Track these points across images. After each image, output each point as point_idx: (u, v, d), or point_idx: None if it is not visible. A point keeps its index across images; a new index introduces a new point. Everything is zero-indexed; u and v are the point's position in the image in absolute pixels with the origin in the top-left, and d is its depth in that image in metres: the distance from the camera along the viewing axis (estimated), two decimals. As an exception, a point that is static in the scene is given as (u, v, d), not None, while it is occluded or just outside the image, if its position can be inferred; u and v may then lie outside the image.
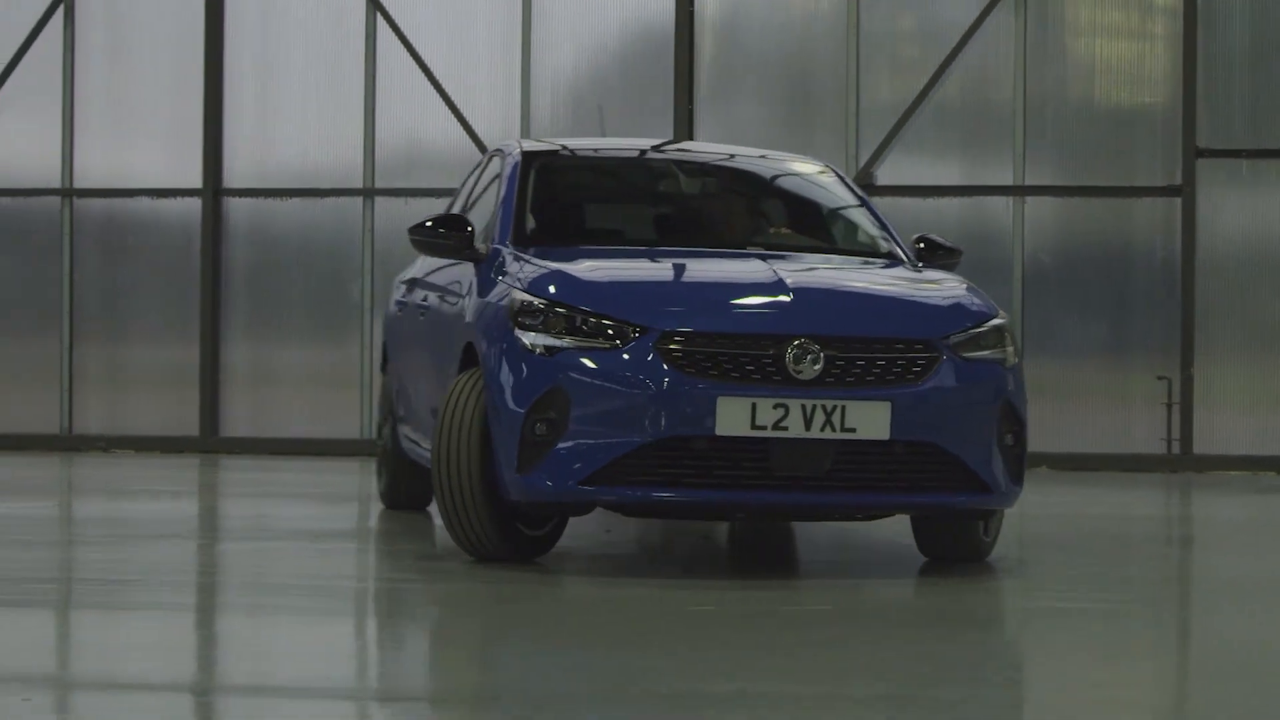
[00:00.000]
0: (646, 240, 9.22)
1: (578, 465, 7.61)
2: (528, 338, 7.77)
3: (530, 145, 9.50)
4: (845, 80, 15.64)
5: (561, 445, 7.62)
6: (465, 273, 8.78)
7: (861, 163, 15.46)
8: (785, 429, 7.57)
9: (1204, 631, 7.14)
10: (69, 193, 16.30)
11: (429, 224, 8.73)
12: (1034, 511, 10.91)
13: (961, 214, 15.44)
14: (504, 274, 8.24)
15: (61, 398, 16.22)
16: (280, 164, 16.18)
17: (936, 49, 15.59)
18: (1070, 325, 15.46)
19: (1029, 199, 15.46)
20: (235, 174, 16.20)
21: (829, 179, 9.59)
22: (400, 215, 15.73)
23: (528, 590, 7.46)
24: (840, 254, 9.02)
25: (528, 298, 7.88)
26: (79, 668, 6.03)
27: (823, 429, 7.58)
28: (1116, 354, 15.41)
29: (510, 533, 8.05)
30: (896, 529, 9.00)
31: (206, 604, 7.41)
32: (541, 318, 7.78)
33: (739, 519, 8.93)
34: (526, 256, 8.36)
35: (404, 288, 10.48)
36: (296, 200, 16.14)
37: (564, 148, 9.71)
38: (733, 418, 7.55)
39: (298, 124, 16.15)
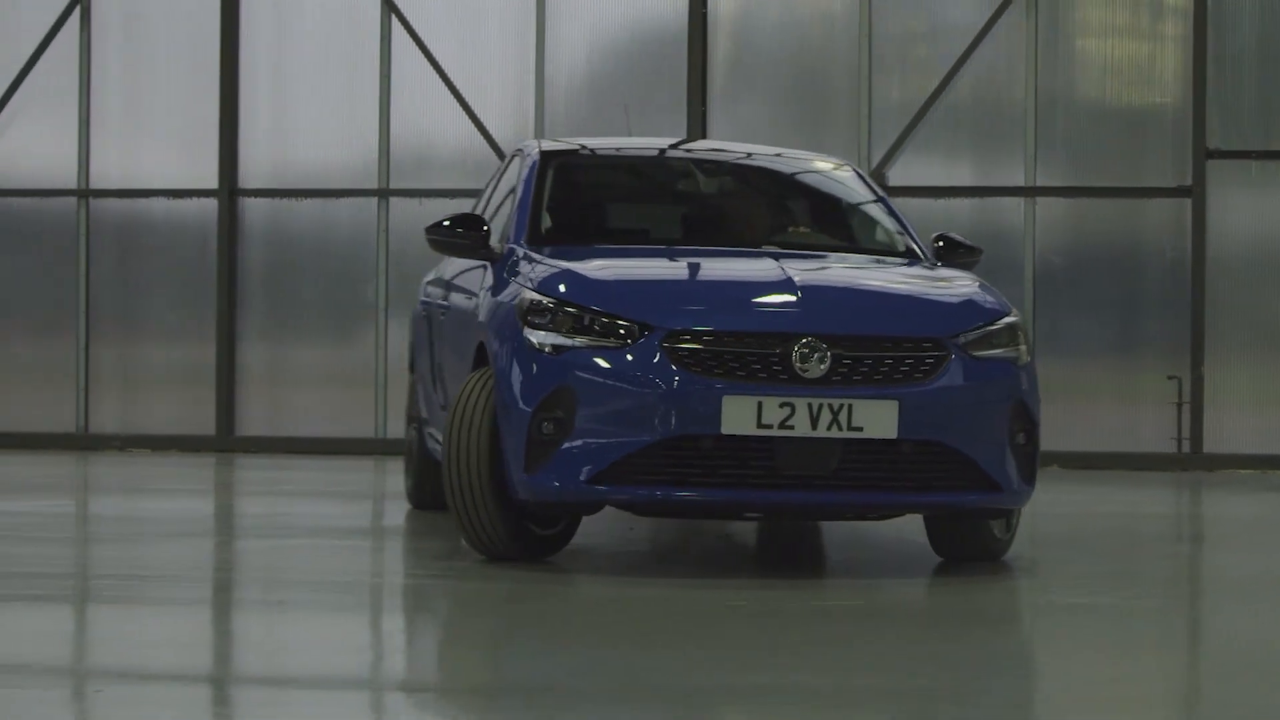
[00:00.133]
0: (663, 239, 9.19)
1: (584, 464, 7.61)
2: (536, 336, 7.77)
3: (549, 145, 9.50)
4: (858, 81, 15.68)
5: (568, 444, 7.62)
6: (482, 272, 8.79)
7: (874, 163, 15.49)
8: (791, 428, 7.55)
9: (1214, 628, 7.16)
10: (85, 193, 16.37)
11: (446, 223, 8.74)
12: (1045, 510, 10.93)
13: (973, 215, 15.47)
14: (516, 273, 8.25)
15: (77, 397, 16.29)
16: (295, 164, 16.24)
17: (948, 50, 15.63)
18: (1081, 325, 15.50)
19: (1039, 199, 15.50)
20: (250, 175, 16.27)
21: (847, 175, 9.56)
22: (415, 215, 15.79)
23: (538, 589, 7.48)
24: (857, 252, 9.00)
25: (537, 296, 7.88)
26: (99, 660, 6.09)
27: (829, 428, 7.55)
28: (1127, 354, 15.45)
29: (521, 532, 8.04)
30: (912, 528, 9.01)
31: (223, 599, 7.47)
32: (550, 317, 7.78)
33: (747, 518, 8.92)
34: (539, 256, 8.36)
35: (428, 288, 10.50)
36: (311, 201, 16.20)
37: (583, 147, 9.70)
38: (738, 417, 7.53)
39: (313, 125, 16.21)
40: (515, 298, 8.00)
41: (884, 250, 9.05)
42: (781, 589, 7.74)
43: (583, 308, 7.78)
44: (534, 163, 9.21)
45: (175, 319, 16.30)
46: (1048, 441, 12.66)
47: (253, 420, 16.17)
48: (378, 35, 16.13)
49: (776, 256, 8.41)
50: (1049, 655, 6.51)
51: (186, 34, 16.34)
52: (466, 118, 15.99)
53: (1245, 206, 15.35)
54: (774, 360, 7.60)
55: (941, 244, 9.00)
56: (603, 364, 7.64)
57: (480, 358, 8.29)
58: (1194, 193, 15.26)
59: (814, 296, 7.89)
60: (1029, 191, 15.47)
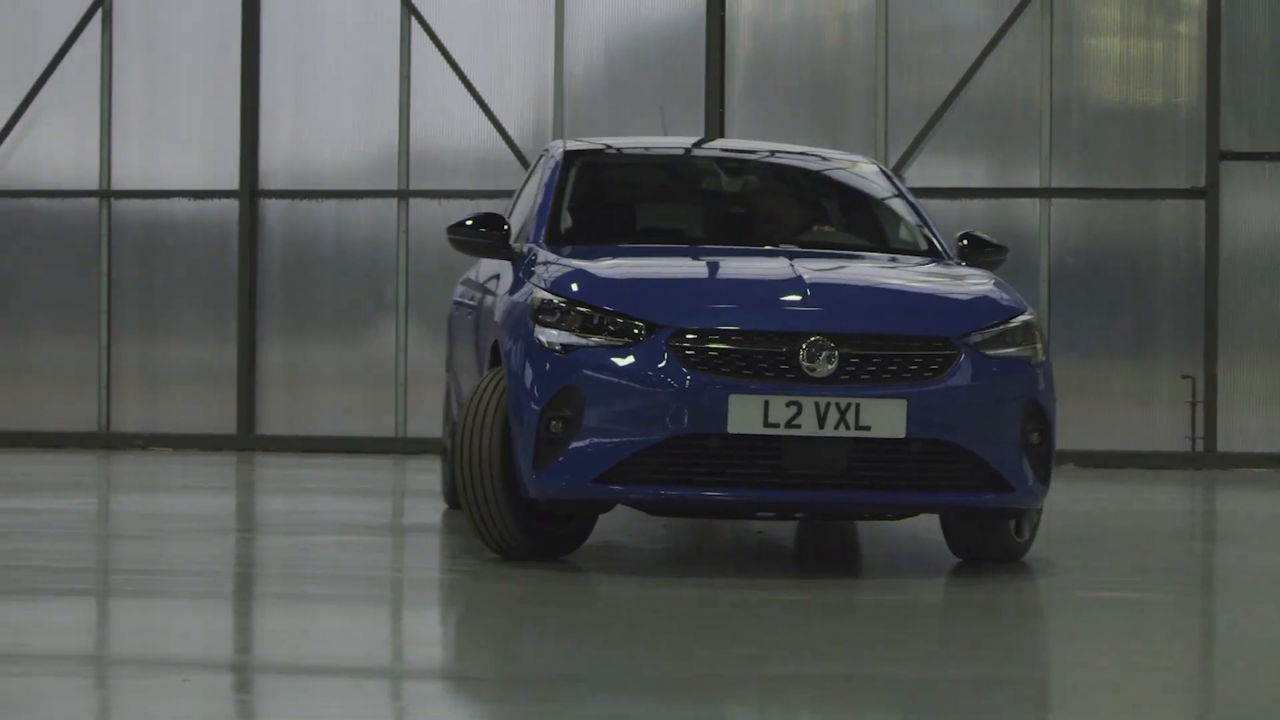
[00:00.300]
0: (683, 239, 9.16)
1: (592, 463, 7.57)
2: (546, 335, 7.76)
3: (574, 145, 9.48)
4: (874, 81, 15.74)
5: (576, 443, 7.59)
6: (504, 271, 8.78)
7: (891, 164, 15.53)
8: (798, 427, 7.49)
9: (1229, 623, 7.19)
10: (107, 194, 16.47)
11: (468, 223, 8.72)
12: (1060, 508, 10.96)
13: (989, 215, 15.52)
14: (531, 273, 8.24)
15: (99, 396, 16.38)
16: (315, 166, 16.32)
17: (963, 50, 15.68)
18: (1096, 325, 15.55)
19: (1055, 200, 15.55)
20: (271, 176, 16.36)
21: (871, 170, 9.53)
22: (434, 216, 15.87)
23: (552, 587, 7.50)
24: (878, 250, 8.91)
25: (548, 296, 7.87)
26: (123, 650, 6.17)
27: (836, 427, 7.49)
28: (1141, 353, 15.50)
29: (533, 531, 8.03)
30: (930, 527, 9.00)
31: (244, 593, 7.55)
32: (560, 316, 7.77)
33: (760, 518, 8.91)
34: (555, 255, 8.35)
35: (461, 288, 10.45)
36: (332, 201, 16.28)
37: (608, 147, 9.66)
38: (745, 416, 7.49)
39: (333, 126, 16.30)
40: (528, 297, 8.01)
41: (906, 248, 8.98)
42: (801, 585, 7.77)
43: (593, 307, 7.75)
44: (556, 163, 9.21)
45: (196, 319, 16.39)
46: (1062, 440, 12.73)
47: (273, 419, 16.26)
48: (397, 37, 16.21)
49: (790, 255, 8.35)
50: (1068, 648, 6.52)
51: (207, 35, 16.43)
52: (486, 119, 16.06)
53: (1259, 207, 15.40)
54: (781, 359, 7.56)
55: (966, 242, 8.90)
56: (610, 363, 7.61)
57: (496, 357, 8.28)
58: (1208, 194, 15.31)
59: (823, 295, 7.84)
60: (1044, 193, 15.52)
